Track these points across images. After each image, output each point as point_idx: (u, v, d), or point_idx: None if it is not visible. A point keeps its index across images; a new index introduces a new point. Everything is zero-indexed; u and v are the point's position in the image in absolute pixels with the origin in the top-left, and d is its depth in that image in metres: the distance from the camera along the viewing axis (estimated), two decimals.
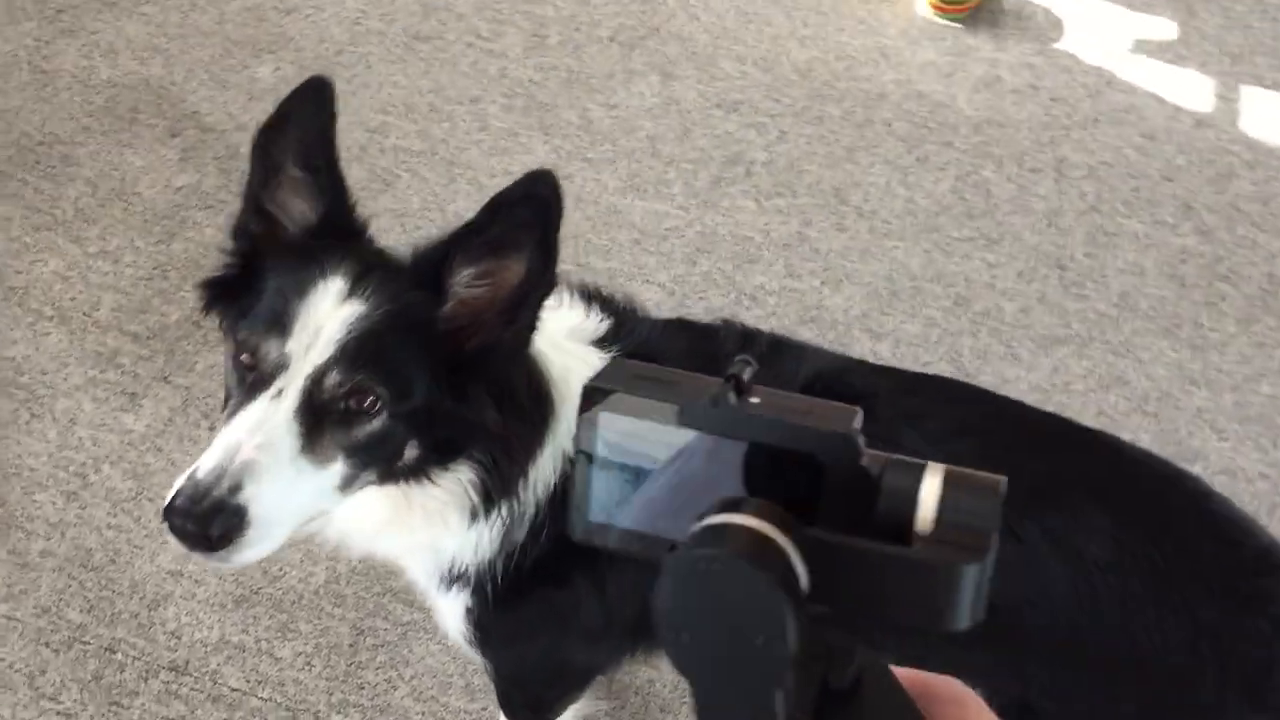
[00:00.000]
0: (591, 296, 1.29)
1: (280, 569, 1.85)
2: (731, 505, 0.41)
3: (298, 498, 1.03)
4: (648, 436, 0.45)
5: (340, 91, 1.13)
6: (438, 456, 1.13)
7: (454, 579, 1.27)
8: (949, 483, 0.42)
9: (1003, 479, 0.42)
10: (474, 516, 1.18)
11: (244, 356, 1.05)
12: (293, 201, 1.12)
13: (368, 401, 1.04)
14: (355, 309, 1.05)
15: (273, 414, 1.02)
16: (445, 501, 1.17)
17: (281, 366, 1.03)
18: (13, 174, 2.36)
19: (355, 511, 1.18)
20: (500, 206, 1.04)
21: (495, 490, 1.17)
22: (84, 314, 2.15)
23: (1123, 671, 1.15)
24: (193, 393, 2.05)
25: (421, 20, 2.78)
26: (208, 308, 1.15)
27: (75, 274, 2.21)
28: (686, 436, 0.44)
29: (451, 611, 1.33)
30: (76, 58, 2.60)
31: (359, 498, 1.13)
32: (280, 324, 1.04)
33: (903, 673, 0.45)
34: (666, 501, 0.45)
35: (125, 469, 1.97)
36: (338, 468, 1.06)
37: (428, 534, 1.22)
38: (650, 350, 1.23)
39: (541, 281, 1.07)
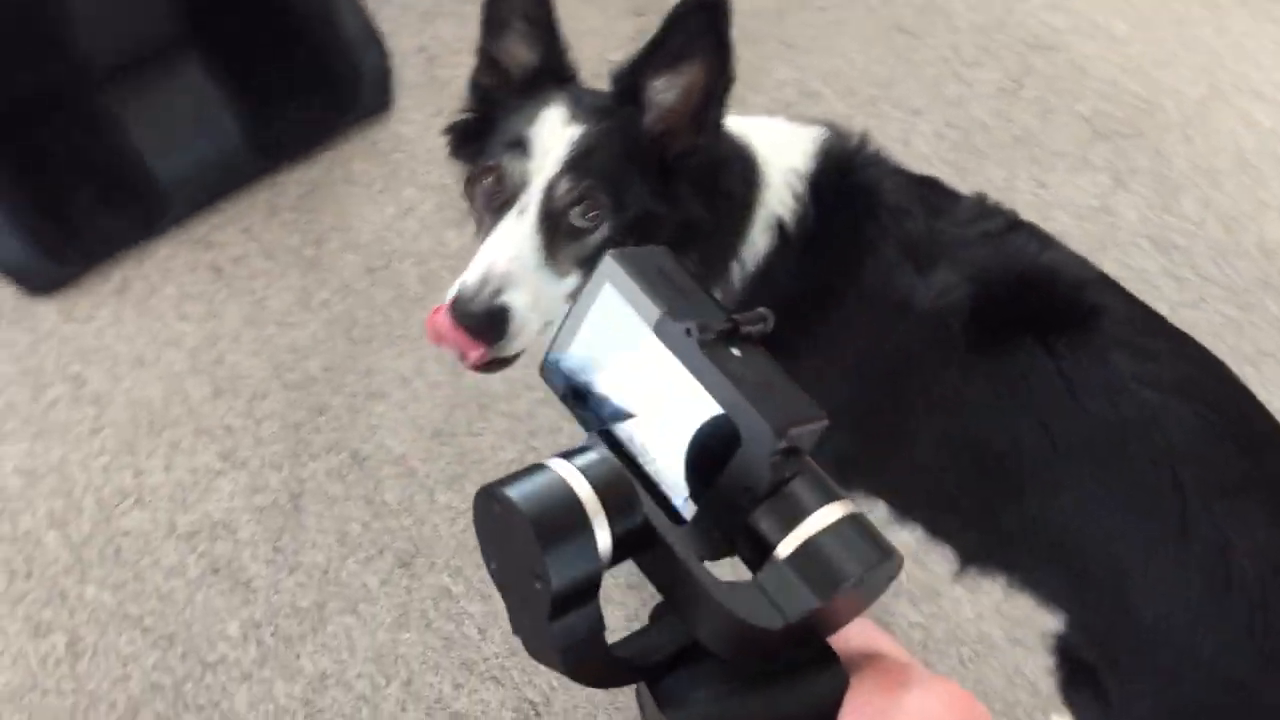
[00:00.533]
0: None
1: (482, 429, 1.93)
2: (574, 453, 0.43)
3: (543, 302, 1.18)
4: (628, 323, 0.47)
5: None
6: None
7: None
8: (845, 523, 0.41)
9: (900, 560, 0.42)
10: None
11: (489, 181, 1.20)
12: (517, 51, 1.27)
13: (593, 212, 1.17)
14: (576, 129, 1.18)
15: (519, 228, 1.17)
16: None
17: (522, 185, 1.18)
18: None
19: None
20: (675, 19, 1.14)
21: (708, 281, 1.28)
22: None
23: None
24: None
25: (915, 14, 2.68)
26: (454, 152, 1.32)
27: None
28: (655, 345, 0.46)
29: None
30: None
31: None
32: (518, 148, 1.19)
33: (857, 627, 0.45)
34: (609, 384, 0.47)
35: (422, 272, 2.11)
36: (572, 280, 1.20)
37: None
38: (859, 182, 1.31)
39: (721, 78, 1.17)
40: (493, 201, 1.21)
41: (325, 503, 1.87)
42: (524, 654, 1.64)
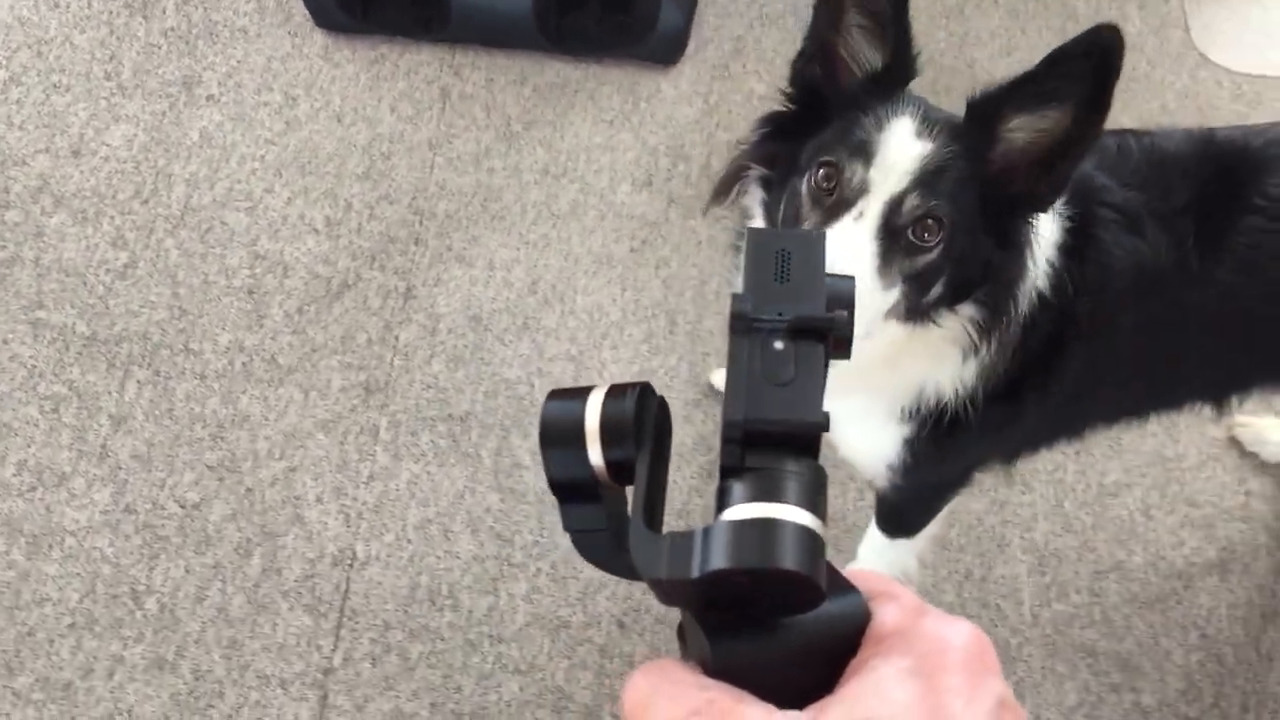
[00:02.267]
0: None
1: (516, 340, 2.06)
2: (616, 388, 0.50)
3: (868, 311, 1.16)
4: None
5: None
6: (952, 297, 1.24)
7: (916, 412, 1.38)
8: (752, 524, 0.44)
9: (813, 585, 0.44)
10: (967, 353, 1.30)
11: (824, 180, 1.18)
12: (857, 46, 1.21)
13: (929, 232, 1.15)
14: (925, 146, 1.15)
15: (856, 233, 1.15)
16: (945, 339, 1.29)
17: (863, 191, 1.15)
18: None
19: (867, 345, 1.26)
20: (1060, 58, 1.09)
21: (993, 328, 1.28)
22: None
23: None
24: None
25: None
26: (764, 142, 1.30)
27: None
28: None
29: (885, 442, 1.44)
30: None
31: (881, 332, 1.25)
32: (864, 152, 1.15)
33: (876, 576, 0.49)
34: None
35: (576, 200, 2.24)
36: (894, 294, 1.19)
37: (921, 371, 1.34)
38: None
39: (1087, 136, 1.13)
40: (822, 200, 1.18)
41: (360, 307, 2.08)
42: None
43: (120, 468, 1.91)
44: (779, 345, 0.47)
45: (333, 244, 2.15)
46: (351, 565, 1.85)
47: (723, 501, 0.45)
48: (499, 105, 2.34)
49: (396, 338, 2.06)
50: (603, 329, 2.09)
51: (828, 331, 0.47)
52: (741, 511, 0.44)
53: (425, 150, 2.27)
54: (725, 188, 1.41)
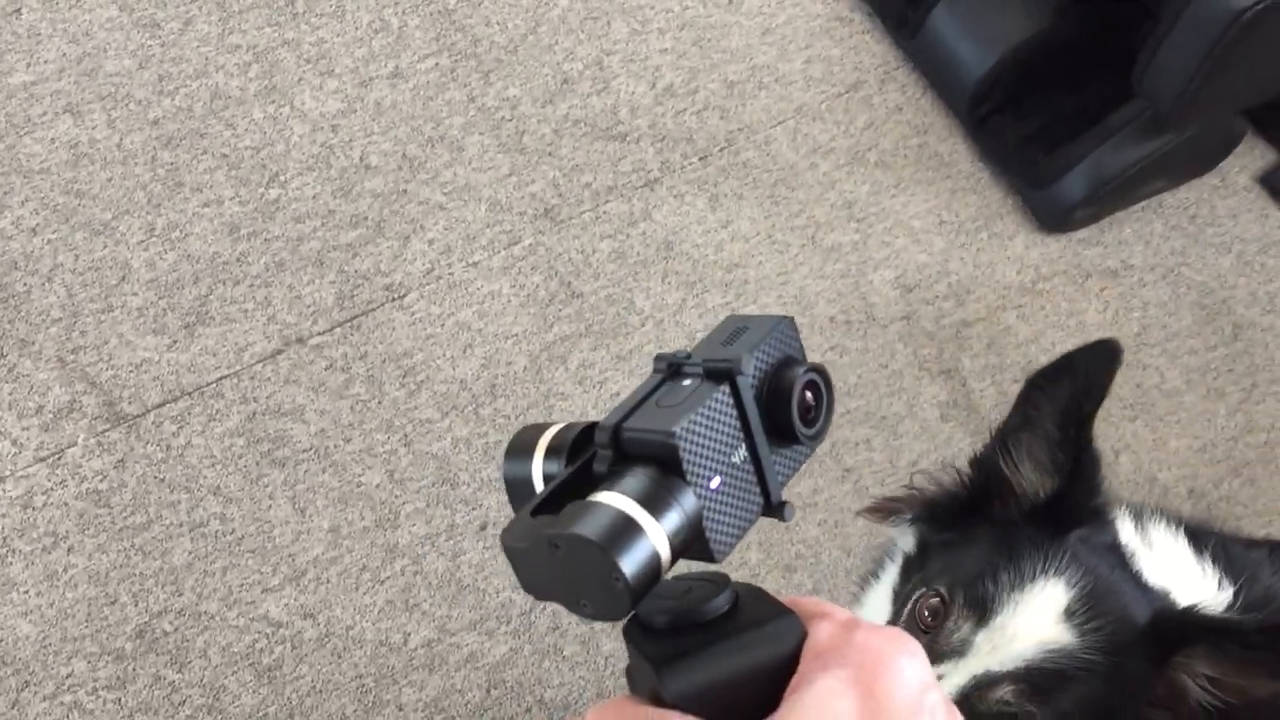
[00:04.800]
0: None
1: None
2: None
3: None
4: None
5: None
6: None
7: None
8: (601, 508, 0.49)
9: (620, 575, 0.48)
10: None
11: (927, 615, 1.01)
12: (1032, 463, 1.04)
13: None
14: (1064, 636, 0.94)
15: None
16: None
17: (959, 652, 0.96)
18: None
19: None
20: None
21: None
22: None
23: None
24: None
25: None
26: (930, 503, 1.14)
27: None
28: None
29: None
30: None
31: None
32: (981, 607, 0.97)
33: (810, 600, 0.54)
34: None
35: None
36: None
37: None
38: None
39: None
40: (914, 630, 1.00)
41: (303, 218, 2.17)
42: None
43: None
44: (687, 383, 0.52)
45: (653, 104, 2.24)
46: (393, 300, 2.01)
47: (584, 483, 0.51)
48: (881, 129, 2.27)
49: (607, 204, 2.14)
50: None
51: (727, 374, 0.51)
52: (593, 496, 0.50)
53: (788, 110, 2.27)
54: (888, 511, 1.23)
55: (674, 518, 0.49)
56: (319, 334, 1.95)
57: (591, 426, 0.54)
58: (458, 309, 2.00)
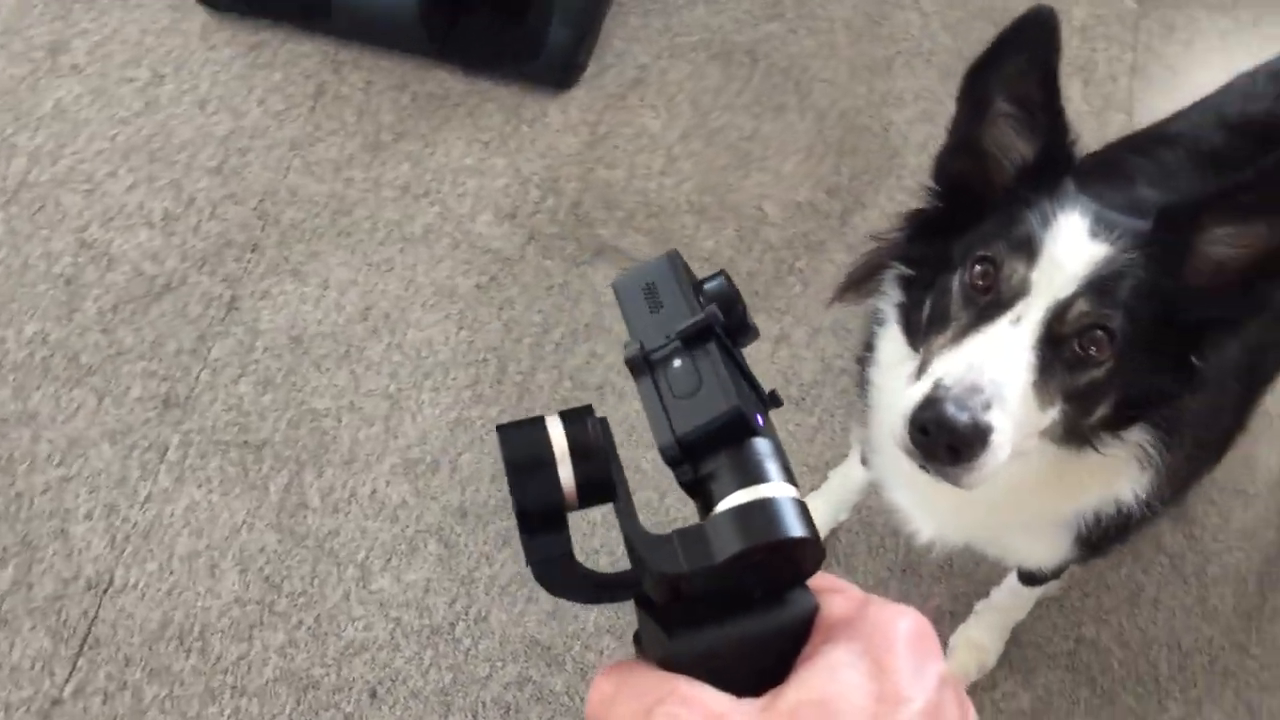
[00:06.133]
0: None
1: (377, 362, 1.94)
2: (570, 413, 0.52)
3: (1020, 434, 1.02)
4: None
5: None
6: (1118, 421, 1.11)
7: (1095, 524, 1.25)
8: (756, 504, 0.48)
9: (821, 550, 0.49)
10: (1144, 465, 1.16)
11: (979, 278, 1.06)
12: (1005, 137, 1.11)
13: (1098, 346, 1.03)
14: (1101, 248, 1.04)
15: (1014, 339, 1.02)
16: (1119, 459, 1.15)
17: (1021, 293, 1.04)
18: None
19: (1022, 470, 1.14)
20: (1272, 170, 1.00)
21: (1169, 446, 1.15)
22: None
23: None
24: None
25: None
26: (908, 241, 1.20)
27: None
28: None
29: (1056, 549, 1.32)
30: None
31: (1035, 453, 1.11)
32: (1026, 249, 1.04)
33: (824, 576, 0.53)
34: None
35: (429, 224, 2.11)
36: (1052, 413, 1.05)
37: (1093, 494, 1.21)
38: None
39: None
40: (975, 299, 1.07)
41: (178, 313, 1.97)
42: None
43: None
44: (678, 363, 0.51)
45: (165, 241, 2.04)
46: (106, 590, 1.75)
47: (708, 501, 0.49)
48: (373, 110, 2.21)
49: (209, 350, 1.95)
50: (427, 368, 1.97)
51: (709, 328, 0.52)
52: (736, 499, 0.48)
53: (285, 150, 2.16)
54: (859, 282, 1.30)
55: (778, 467, 0.50)
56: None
57: (592, 412, 0.53)
58: (173, 543, 1.78)
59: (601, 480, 0.50)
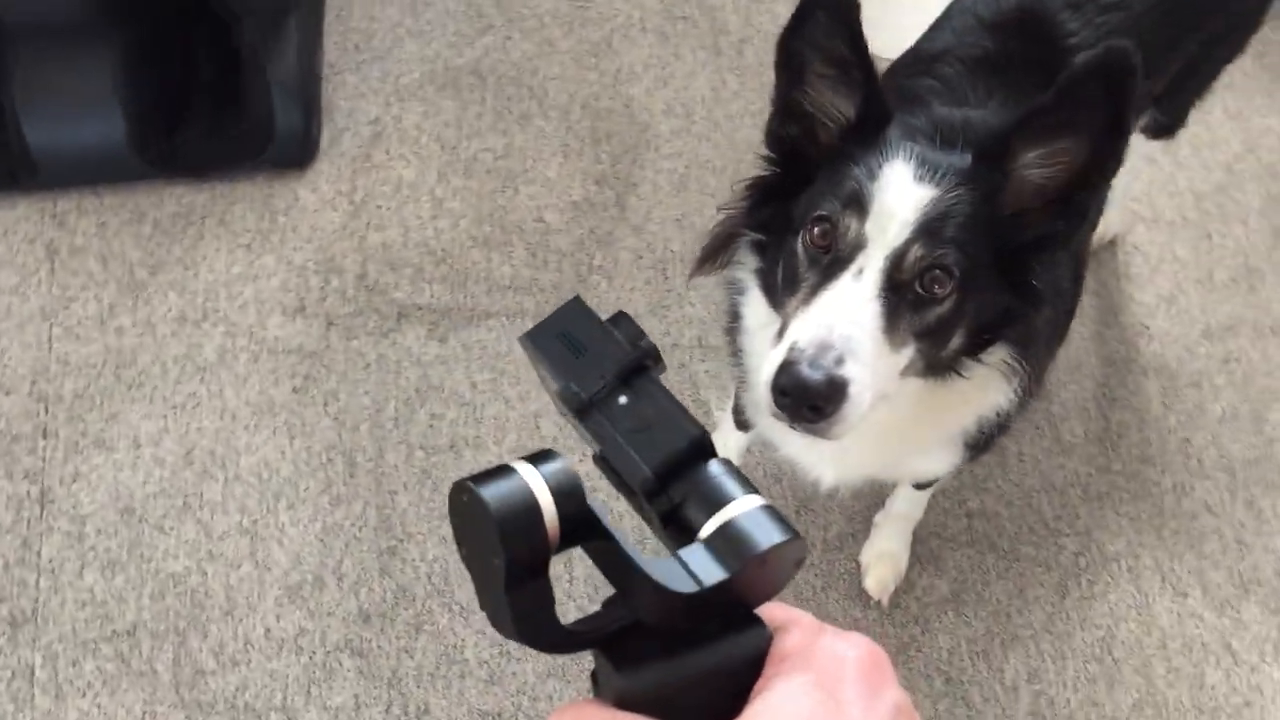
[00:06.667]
0: None
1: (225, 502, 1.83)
2: (537, 457, 0.50)
3: (879, 379, 1.08)
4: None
5: None
6: (973, 346, 1.18)
7: (980, 434, 1.35)
8: (753, 513, 0.51)
9: (804, 545, 0.53)
10: (1010, 376, 1.25)
11: (819, 238, 1.11)
12: (825, 97, 1.16)
13: (939, 284, 1.09)
14: (927, 191, 1.09)
15: (857, 292, 1.07)
16: (986, 377, 1.23)
17: (860, 246, 1.09)
18: None
19: (897, 407, 1.21)
20: (1070, 85, 1.05)
21: (1029, 355, 1.24)
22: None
23: None
24: None
25: None
26: (754, 209, 1.24)
27: None
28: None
29: (947, 460, 1.42)
30: None
31: (901, 391, 1.18)
32: (857, 204, 1.09)
33: (778, 606, 0.53)
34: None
35: (224, 345, 2.01)
36: (907, 353, 1.11)
37: (968, 411, 1.30)
38: None
39: (1107, 165, 1.08)
40: (819, 258, 1.12)
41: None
42: None
43: None
44: (623, 400, 0.54)
45: None
46: None
47: (687, 525, 0.51)
48: (116, 252, 2.08)
49: (38, 554, 1.81)
50: (275, 489, 1.88)
51: (643, 361, 0.55)
52: (727, 514, 0.51)
53: (39, 322, 2.00)
54: (713, 254, 1.34)
55: (741, 481, 0.53)
56: None
57: (572, 470, 0.52)
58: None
59: (582, 518, 0.50)
